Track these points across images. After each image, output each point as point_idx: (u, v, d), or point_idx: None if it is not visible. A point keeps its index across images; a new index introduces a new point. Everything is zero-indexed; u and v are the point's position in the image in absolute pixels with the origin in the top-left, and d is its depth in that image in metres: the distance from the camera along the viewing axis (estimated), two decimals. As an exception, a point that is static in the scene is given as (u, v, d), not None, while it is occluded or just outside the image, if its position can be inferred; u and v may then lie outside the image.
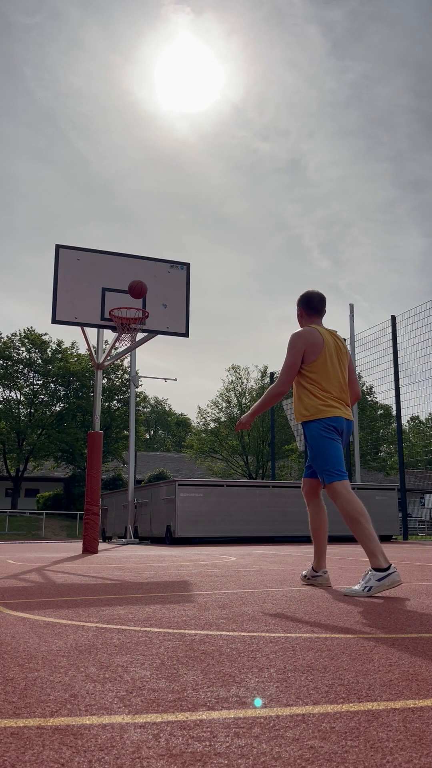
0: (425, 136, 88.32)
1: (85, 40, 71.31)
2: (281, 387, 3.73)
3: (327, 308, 3.99)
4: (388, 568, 3.24)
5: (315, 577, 3.86)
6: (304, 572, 4.03)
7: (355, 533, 3.39)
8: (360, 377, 20.73)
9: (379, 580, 3.22)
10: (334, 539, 14.18)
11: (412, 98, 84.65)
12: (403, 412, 17.25)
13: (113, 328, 8.40)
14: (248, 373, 37.84)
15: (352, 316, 19.21)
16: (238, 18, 70.65)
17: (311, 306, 3.91)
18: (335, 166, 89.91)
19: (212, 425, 38.47)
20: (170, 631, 2.27)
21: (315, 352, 3.67)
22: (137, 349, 9.61)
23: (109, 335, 8.95)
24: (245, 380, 37.92)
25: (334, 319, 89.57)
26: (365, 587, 3.25)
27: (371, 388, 29.88)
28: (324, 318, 3.98)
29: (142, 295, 8.05)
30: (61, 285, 8.20)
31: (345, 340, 20.01)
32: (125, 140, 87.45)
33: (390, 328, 17.78)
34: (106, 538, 17.67)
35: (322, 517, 3.89)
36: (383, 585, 3.21)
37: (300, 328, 3.86)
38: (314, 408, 3.65)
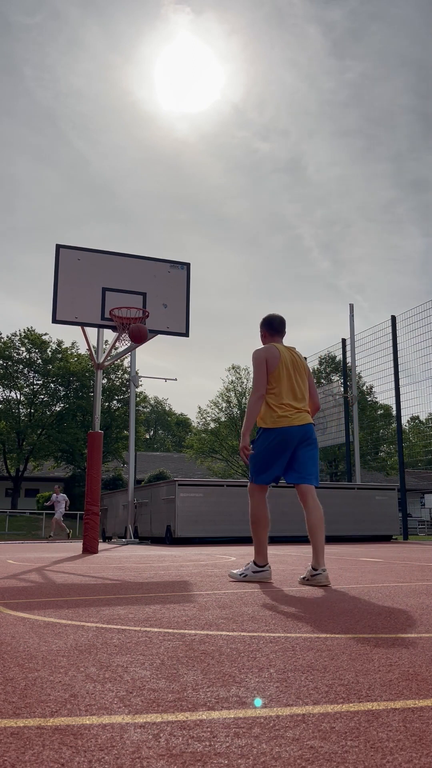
0: (425, 136, 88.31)
1: (85, 40, 71.26)
2: (258, 392, 4.22)
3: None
4: (264, 566, 4.17)
5: (315, 576, 3.89)
6: (302, 575, 4.08)
7: (251, 531, 4.23)
8: (360, 377, 20.73)
9: (254, 572, 4.15)
10: (335, 539, 14.19)
11: (412, 98, 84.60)
12: (403, 412, 17.26)
13: (113, 328, 8.40)
14: (248, 373, 37.84)
15: (352, 316, 19.21)
16: (238, 18, 70.64)
17: (273, 327, 4.49)
18: (335, 166, 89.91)
19: (212, 425, 38.48)
20: (170, 631, 2.28)
21: (273, 364, 4.22)
22: (137, 349, 9.61)
23: (109, 335, 8.95)
24: (245, 380, 37.92)
25: (334, 319, 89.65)
26: (243, 573, 4.19)
27: (371, 388, 29.90)
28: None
29: (143, 341, 8.39)
30: (61, 285, 8.20)
31: (345, 339, 20.09)
32: (125, 140, 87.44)
33: (390, 328, 17.78)
34: (106, 538, 17.68)
35: (316, 516, 4.05)
36: (255, 577, 4.14)
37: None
38: (270, 419, 4.18)
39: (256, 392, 4.20)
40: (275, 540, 13.84)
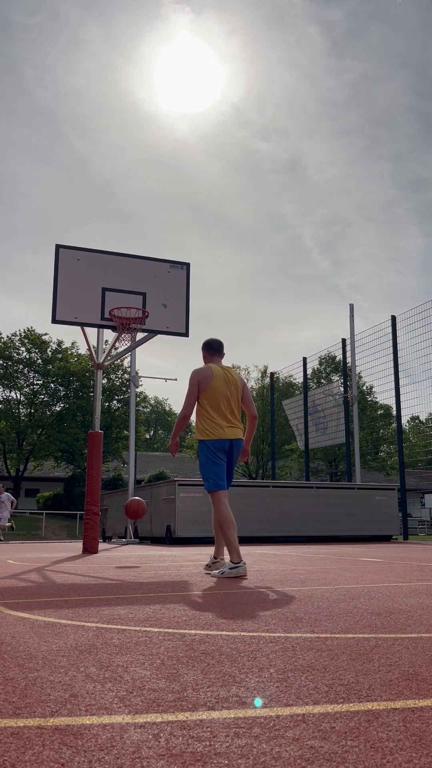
0: (425, 136, 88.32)
1: (85, 40, 71.24)
2: (185, 411, 4.86)
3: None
4: (238, 563, 4.51)
5: (215, 563, 4.80)
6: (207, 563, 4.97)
7: (221, 534, 4.68)
8: (360, 377, 20.74)
9: (230, 569, 4.49)
10: (335, 539, 14.19)
11: (412, 98, 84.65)
12: (403, 412, 17.24)
13: (113, 328, 8.39)
14: (248, 373, 37.77)
15: (352, 316, 19.20)
16: (238, 18, 70.63)
17: (212, 349, 5.10)
18: (335, 165, 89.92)
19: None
20: (170, 631, 2.27)
21: (205, 384, 4.79)
22: (137, 349, 9.61)
23: (109, 335, 8.94)
24: (245, 380, 37.83)
25: (334, 319, 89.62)
26: (221, 571, 4.55)
27: (371, 388, 29.87)
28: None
29: (139, 516, 9.70)
30: (61, 285, 8.20)
31: (345, 339, 20.12)
32: (125, 140, 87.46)
33: (390, 328, 17.77)
34: (106, 538, 17.67)
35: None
36: (232, 572, 4.47)
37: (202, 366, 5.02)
38: (204, 431, 4.76)
39: (184, 410, 4.85)
40: (275, 540, 13.84)
